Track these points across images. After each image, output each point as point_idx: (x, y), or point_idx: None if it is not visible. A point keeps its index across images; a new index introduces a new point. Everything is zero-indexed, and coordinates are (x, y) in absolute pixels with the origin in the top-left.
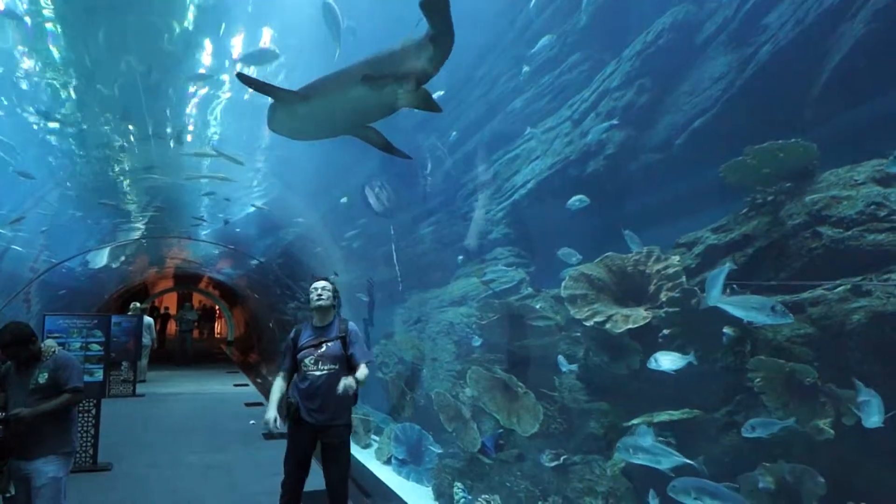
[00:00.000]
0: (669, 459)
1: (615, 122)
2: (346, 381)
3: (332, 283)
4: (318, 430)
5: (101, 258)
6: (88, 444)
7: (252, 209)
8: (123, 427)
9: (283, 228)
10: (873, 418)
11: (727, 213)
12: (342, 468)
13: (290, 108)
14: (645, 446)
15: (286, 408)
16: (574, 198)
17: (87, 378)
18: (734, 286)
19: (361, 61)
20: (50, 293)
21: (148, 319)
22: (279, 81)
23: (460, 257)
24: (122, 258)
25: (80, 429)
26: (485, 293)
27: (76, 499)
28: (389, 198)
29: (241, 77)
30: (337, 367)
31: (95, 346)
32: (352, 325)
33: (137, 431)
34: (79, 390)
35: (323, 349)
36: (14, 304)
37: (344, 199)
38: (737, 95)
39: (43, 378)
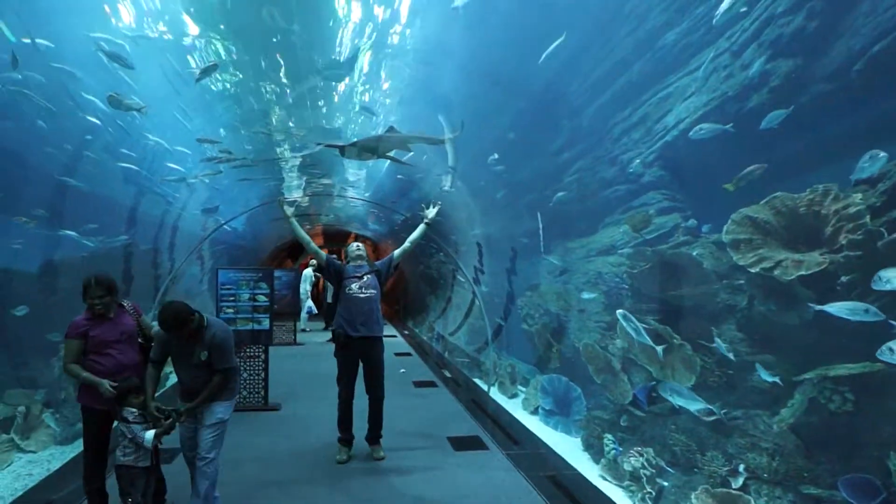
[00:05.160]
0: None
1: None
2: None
3: (363, 244)
4: (360, 344)
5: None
6: (260, 385)
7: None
8: (287, 372)
9: (424, 182)
10: None
11: None
12: (379, 376)
13: (345, 150)
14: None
15: (335, 337)
16: (772, 114)
17: (254, 326)
18: None
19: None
20: (217, 251)
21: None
22: None
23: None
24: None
25: (251, 372)
26: (635, 241)
27: (254, 430)
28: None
29: (320, 144)
30: (375, 292)
31: (262, 298)
32: (378, 262)
33: (299, 377)
34: (228, 370)
35: (365, 279)
36: (190, 260)
37: (494, 156)
38: None
39: (204, 356)
